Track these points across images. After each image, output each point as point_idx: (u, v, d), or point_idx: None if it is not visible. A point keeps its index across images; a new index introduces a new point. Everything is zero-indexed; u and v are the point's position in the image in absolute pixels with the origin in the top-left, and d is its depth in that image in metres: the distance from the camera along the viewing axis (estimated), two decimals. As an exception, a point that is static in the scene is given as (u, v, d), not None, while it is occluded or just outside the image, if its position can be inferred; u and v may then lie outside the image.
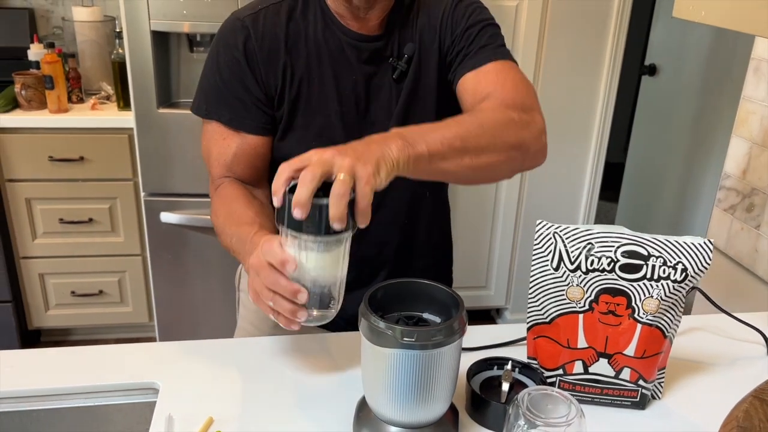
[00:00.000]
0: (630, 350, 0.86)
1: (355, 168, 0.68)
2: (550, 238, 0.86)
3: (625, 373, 0.87)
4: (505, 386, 0.86)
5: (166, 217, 2.12)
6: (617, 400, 0.89)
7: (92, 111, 2.22)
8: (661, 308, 0.84)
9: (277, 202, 0.69)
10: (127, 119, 2.13)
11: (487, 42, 0.99)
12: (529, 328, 0.91)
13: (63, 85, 2.18)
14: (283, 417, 0.85)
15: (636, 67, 3.36)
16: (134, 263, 2.38)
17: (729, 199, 1.63)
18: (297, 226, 0.68)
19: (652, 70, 3.07)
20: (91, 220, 2.28)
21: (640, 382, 0.87)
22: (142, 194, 2.14)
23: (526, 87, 0.96)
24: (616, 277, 0.84)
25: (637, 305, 0.84)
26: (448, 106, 1.02)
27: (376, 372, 0.76)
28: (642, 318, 0.84)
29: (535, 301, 0.89)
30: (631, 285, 0.84)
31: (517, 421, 0.75)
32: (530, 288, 0.88)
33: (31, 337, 2.50)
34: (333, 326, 1.12)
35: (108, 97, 2.31)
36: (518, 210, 2.61)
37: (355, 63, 1.00)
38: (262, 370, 0.94)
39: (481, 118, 0.86)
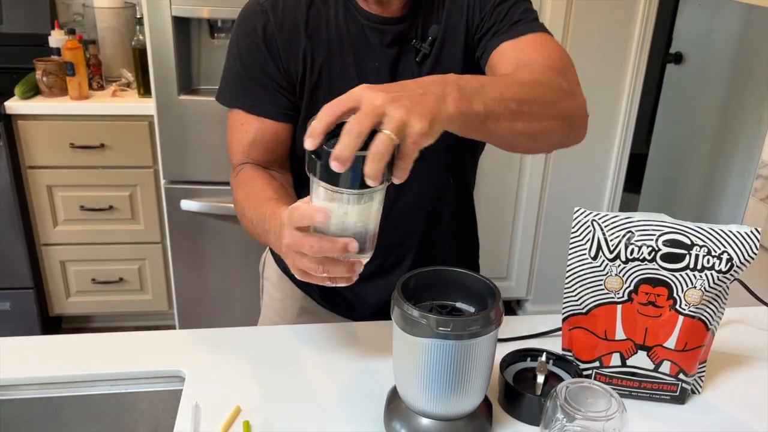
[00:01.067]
0: (670, 343, 0.83)
1: (408, 123, 0.61)
2: (588, 226, 0.83)
3: (665, 367, 0.84)
4: (540, 378, 0.83)
5: (187, 204, 2.11)
6: (656, 394, 0.86)
7: (113, 98, 2.21)
8: (704, 299, 0.81)
9: (311, 145, 0.62)
10: (147, 106, 2.11)
11: (521, 17, 0.93)
12: (564, 319, 0.88)
13: (84, 72, 2.17)
14: (310, 408, 0.83)
15: (660, 55, 3.29)
16: (154, 251, 2.38)
17: (766, 189, 1.58)
18: (331, 178, 0.62)
19: (678, 59, 3.01)
20: (111, 207, 2.28)
21: (681, 375, 0.84)
22: (163, 182, 2.13)
23: (568, 59, 0.91)
24: (657, 266, 0.81)
25: (678, 296, 0.81)
26: None
27: (409, 362, 0.74)
28: (684, 309, 0.81)
29: (572, 291, 0.86)
30: (673, 275, 0.81)
31: (555, 414, 0.73)
32: (566, 277, 0.86)
33: (53, 324, 2.51)
34: (357, 315, 1.10)
35: (128, 84, 2.30)
36: (540, 200, 2.57)
37: (377, 47, 0.97)
38: (288, 359, 0.92)
39: (536, 81, 0.80)
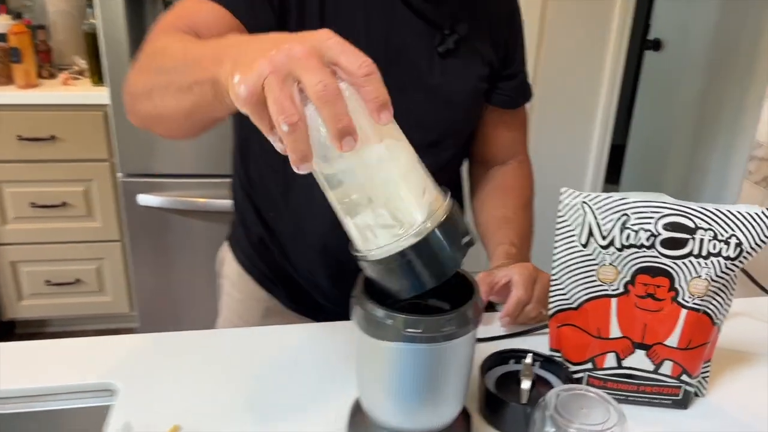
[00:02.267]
0: (672, 340, 0.73)
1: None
2: (578, 209, 0.72)
3: (666, 367, 0.74)
4: (526, 384, 0.73)
5: (145, 199, 1.97)
6: (656, 399, 0.76)
7: (64, 86, 2.07)
8: (710, 290, 0.71)
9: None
10: (101, 95, 1.97)
11: (521, 69, 1.02)
12: (551, 315, 0.78)
13: (32, 59, 2.02)
14: (262, 427, 0.71)
15: (638, 42, 3.22)
16: (113, 250, 2.24)
17: (762, 170, 1.50)
18: None
19: (656, 45, 2.93)
20: (65, 204, 2.14)
21: (684, 377, 0.74)
22: (119, 175, 1.99)
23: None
24: (656, 253, 0.71)
25: (681, 287, 0.71)
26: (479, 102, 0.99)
27: (374, 370, 0.63)
28: (687, 302, 0.71)
29: (559, 284, 0.76)
30: (675, 263, 0.71)
31: (544, 427, 0.63)
32: (553, 268, 0.75)
33: (5, 330, 2.35)
34: (328, 318, 0.98)
35: (81, 72, 2.16)
36: (519, 191, 2.47)
37: (399, 14, 0.86)
38: (241, 367, 0.81)
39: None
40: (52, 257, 2.21)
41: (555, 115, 2.43)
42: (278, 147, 0.50)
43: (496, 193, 1.06)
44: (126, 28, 1.81)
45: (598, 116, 2.45)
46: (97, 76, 2.06)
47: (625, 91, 3.60)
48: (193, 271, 2.14)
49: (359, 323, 0.62)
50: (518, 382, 0.74)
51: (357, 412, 0.69)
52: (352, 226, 0.56)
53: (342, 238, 0.93)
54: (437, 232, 0.53)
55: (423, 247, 0.53)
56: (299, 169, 0.48)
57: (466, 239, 0.57)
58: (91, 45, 2.03)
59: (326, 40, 0.49)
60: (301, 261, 0.99)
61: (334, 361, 0.82)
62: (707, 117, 2.68)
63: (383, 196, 0.53)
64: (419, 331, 0.58)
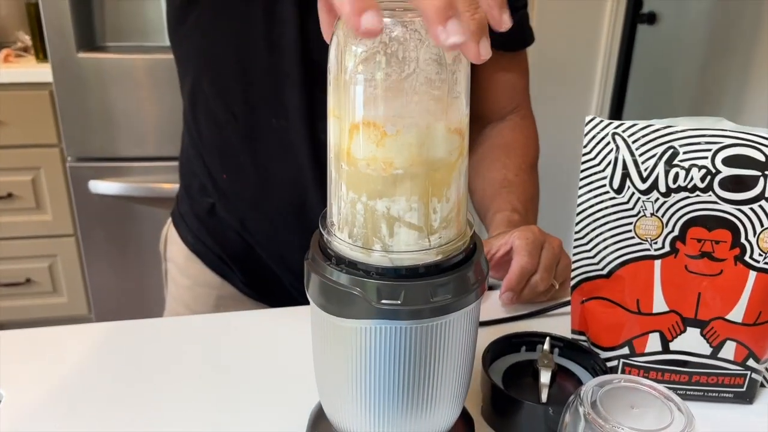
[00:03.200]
0: (736, 314, 0.55)
1: None
2: (608, 143, 0.55)
3: (728, 350, 0.56)
4: (545, 377, 0.55)
5: (96, 186, 1.77)
6: (713, 392, 0.58)
7: (5, 64, 1.86)
8: (788, 245, 0.53)
9: None
10: (45, 72, 1.77)
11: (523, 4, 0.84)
12: (574, 287, 0.60)
13: (-32, 33, 1.81)
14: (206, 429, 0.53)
15: (630, 15, 3.06)
16: (67, 245, 2.03)
17: None
18: None
19: (651, 18, 2.77)
20: (10, 195, 1.93)
21: (750, 362, 0.57)
22: (68, 159, 1.79)
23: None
24: (714, 198, 0.53)
25: (748, 242, 0.53)
26: None
27: (338, 362, 0.44)
28: (757, 261, 0.54)
29: (585, 243, 0.58)
30: (739, 210, 0.53)
31: (577, 434, 0.45)
32: (577, 224, 0.57)
33: (-50, 336, 2.14)
34: (290, 301, 0.80)
35: (26, 49, 1.95)
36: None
37: None
38: (167, 368, 0.62)
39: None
40: (-2, 255, 2.00)
41: (549, 93, 2.27)
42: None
43: (495, 153, 0.88)
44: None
45: (595, 93, 2.29)
46: (42, 52, 1.86)
47: (618, 68, 3.44)
48: (153, 267, 1.93)
49: (314, 297, 0.43)
50: (533, 375, 0.56)
51: (318, 421, 0.51)
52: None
53: (322, 199, 0.75)
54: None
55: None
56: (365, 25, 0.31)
57: None
58: (34, 19, 1.83)
59: None
60: (264, 230, 0.82)
61: (295, 354, 0.63)
62: (707, 95, 2.53)
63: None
64: (398, 302, 0.40)
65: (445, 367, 0.44)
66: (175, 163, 0.93)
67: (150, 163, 1.81)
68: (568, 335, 0.61)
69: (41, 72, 1.79)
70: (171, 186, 1.82)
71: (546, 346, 0.57)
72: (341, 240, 0.42)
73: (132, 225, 1.88)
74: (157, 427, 0.54)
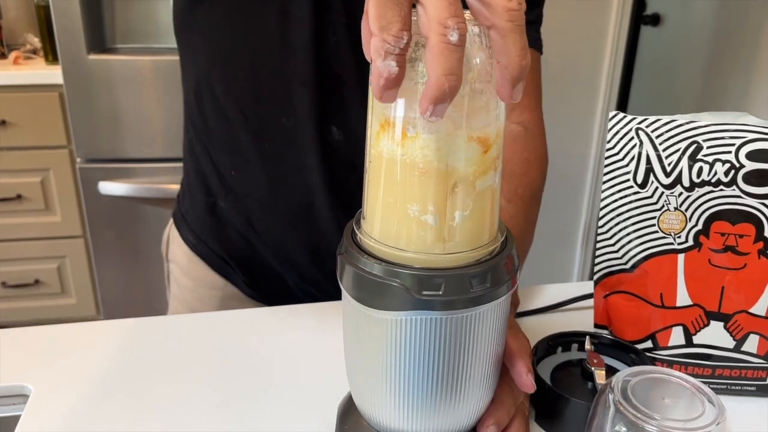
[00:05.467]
0: (760, 307, 0.56)
1: None
2: (632, 138, 0.55)
3: (751, 343, 0.57)
4: (600, 376, 0.54)
5: (106, 187, 1.78)
6: (736, 385, 0.59)
7: (15, 66, 1.87)
8: (812, 238, 0.54)
9: None
10: (55, 73, 1.78)
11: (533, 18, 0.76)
12: (597, 281, 0.60)
13: (-22, 36, 1.82)
14: (233, 427, 0.53)
15: (634, 17, 3.07)
16: (75, 246, 2.03)
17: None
18: None
19: (655, 20, 2.78)
20: (20, 196, 1.93)
21: (773, 355, 0.57)
22: (78, 161, 1.80)
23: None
24: (738, 192, 0.54)
25: (772, 235, 0.54)
26: None
27: (371, 354, 0.45)
28: (780, 255, 0.54)
29: (608, 237, 0.58)
30: (763, 204, 0.54)
31: (607, 422, 0.45)
32: (600, 218, 0.58)
33: (-41, 338, 2.14)
34: (295, 302, 0.77)
35: (35, 51, 1.97)
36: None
37: None
38: (193, 361, 0.62)
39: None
40: (7, 256, 2.01)
41: (554, 95, 2.27)
42: (389, 67, 0.33)
43: None
44: (80, 2, 1.62)
45: (600, 96, 2.29)
46: (51, 54, 1.87)
47: (622, 70, 3.45)
48: (162, 268, 1.94)
49: (348, 288, 0.44)
50: (574, 374, 0.56)
51: (348, 413, 0.51)
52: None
53: (329, 201, 0.74)
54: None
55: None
56: (433, 112, 0.34)
57: None
58: (44, 21, 1.84)
59: None
60: (270, 230, 0.81)
61: (321, 348, 0.64)
62: (711, 96, 2.53)
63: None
64: (437, 293, 0.40)
65: (477, 358, 0.44)
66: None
67: (159, 165, 1.82)
68: (590, 330, 0.61)
69: (51, 74, 1.80)
70: (178, 187, 1.82)
71: (589, 346, 0.58)
72: (370, 236, 0.42)
73: (141, 226, 1.88)
74: (183, 426, 0.54)
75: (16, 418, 0.56)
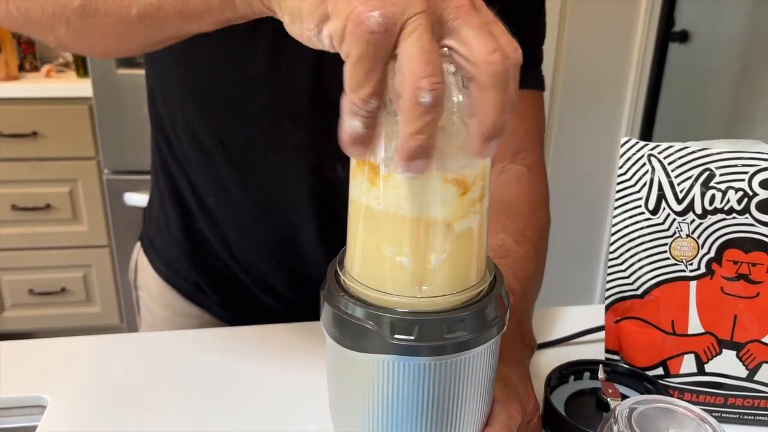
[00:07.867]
0: (773, 336, 0.55)
1: None
2: (644, 165, 0.55)
3: (764, 372, 0.56)
4: (616, 404, 0.53)
5: (131, 198, 1.82)
6: (748, 415, 0.58)
7: (47, 79, 1.92)
8: (827, 268, 0.53)
9: None
10: (86, 87, 1.83)
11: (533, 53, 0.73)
12: (608, 306, 0.60)
13: (12, 50, 1.88)
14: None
15: (661, 34, 3.04)
16: (101, 256, 2.07)
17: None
18: None
19: (683, 37, 2.76)
20: (48, 206, 1.98)
21: (787, 386, 0.56)
22: (105, 172, 1.84)
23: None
24: (751, 220, 0.53)
25: (786, 265, 0.53)
26: None
27: (353, 396, 0.43)
28: (794, 285, 0.54)
29: (619, 264, 0.58)
30: (777, 233, 0.53)
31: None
32: (612, 243, 0.58)
33: (-13, 343, 2.19)
34: (262, 321, 0.74)
35: (67, 65, 2.02)
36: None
37: None
38: (210, 375, 0.63)
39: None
40: (35, 264, 2.05)
41: (578, 111, 2.27)
42: (353, 127, 0.34)
43: (493, 210, 0.71)
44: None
45: (625, 112, 2.28)
46: (82, 68, 1.92)
47: (649, 88, 3.42)
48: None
49: (328, 328, 0.42)
50: (587, 405, 0.56)
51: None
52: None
53: (318, 233, 0.71)
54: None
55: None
56: (406, 169, 0.34)
57: None
58: (76, 35, 1.88)
59: None
60: (250, 259, 0.77)
61: (308, 374, 0.64)
62: (740, 114, 2.50)
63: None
64: (413, 338, 0.38)
65: (466, 402, 0.42)
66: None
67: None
68: (601, 356, 0.61)
69: (82, 87, 1.85)
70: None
71: (602, 375, 0.57)
72: (351, 276, 0.41)
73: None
74: (196, 435, 0.55)
75: (33, 429, 0.57)
